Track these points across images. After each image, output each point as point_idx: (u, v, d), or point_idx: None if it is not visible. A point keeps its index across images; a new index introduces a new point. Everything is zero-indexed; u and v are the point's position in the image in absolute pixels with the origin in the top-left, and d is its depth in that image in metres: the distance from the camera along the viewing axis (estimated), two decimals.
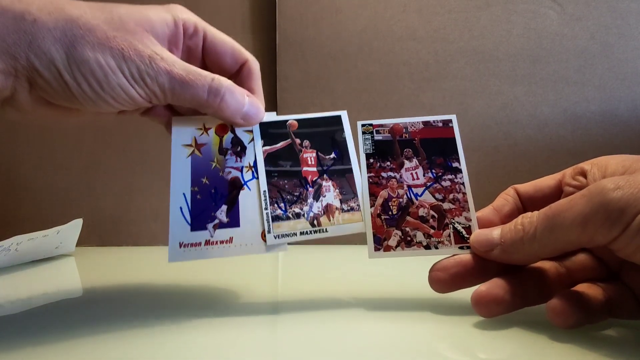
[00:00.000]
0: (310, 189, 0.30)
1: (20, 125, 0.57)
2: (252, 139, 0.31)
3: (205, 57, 0.32)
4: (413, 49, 0.54)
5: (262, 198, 0.30)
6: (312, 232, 0.29)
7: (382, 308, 0.30)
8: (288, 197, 0.30)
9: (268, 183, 0.30)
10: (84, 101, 0.26)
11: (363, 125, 0.32)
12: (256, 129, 0.32)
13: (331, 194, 0.31)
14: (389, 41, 0.54)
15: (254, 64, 0.33)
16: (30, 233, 0.45)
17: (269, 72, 0.56)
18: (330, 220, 0.30)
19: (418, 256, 0.28)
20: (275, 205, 0.30)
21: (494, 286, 0.26)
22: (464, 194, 0.30)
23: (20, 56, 0.24)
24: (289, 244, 0.29)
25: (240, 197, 0.29)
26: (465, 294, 0.34)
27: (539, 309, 0.30)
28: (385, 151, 0.31)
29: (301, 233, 0.29)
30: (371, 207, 0.30)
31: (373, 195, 0.30)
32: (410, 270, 0.43)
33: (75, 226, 0.51)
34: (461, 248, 0.28)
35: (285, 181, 0.30)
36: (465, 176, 0.30)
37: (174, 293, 0.35)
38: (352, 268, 0.44)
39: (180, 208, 0.29)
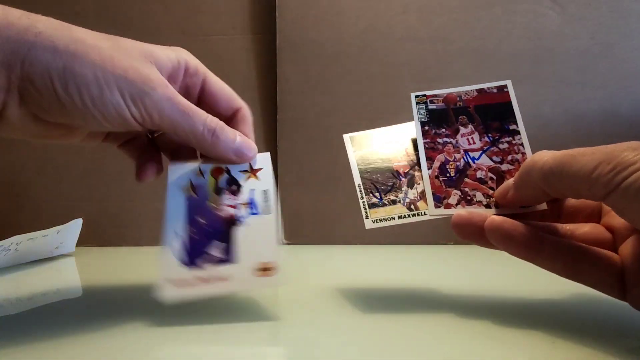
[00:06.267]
0: (403, 179, 0.31)
1: None
2: (248, 178, 0.31)
3: (201, 98, 0.32)
4: (414, 50, 0.54)
5: (357, 190, 0.31)
6: (411, 215, 0.30)
7: (382, 310, 0.30)
8: (382, 187, 0.31)
9: (361, 177, 0.32)
10: (72, 113, 0.26)
11: (417, 96, 0.33)
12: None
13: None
14: (390, 42, 0.54)
15: (247, 112, 0.33)
16: (30, 233, 0.45)
17: (269, 73, 0.56)
18: (428, 204, 0.30)
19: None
20: (371, 194, 0.31)
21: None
22: (524, 154, 0.30)
23: (15, 65, 0.24)
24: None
25: (236, 233, 0.29)
26: (465, 298, 0.34)
27: (538, 310, 0.30)
28: (440, 119, 0.32)
29: (399, 217, 0.30)
30: (429, 169, 0.30)
31: (430, 159, 0.31)
32: (411, 270, 0.43)
33: (75, 226, 0.51)
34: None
35: (378, 175, 0.32)
36: (524, 137, 0.31)
37: None
38: (352, 268, 0.44)
39: (174, 247, 0.28)
